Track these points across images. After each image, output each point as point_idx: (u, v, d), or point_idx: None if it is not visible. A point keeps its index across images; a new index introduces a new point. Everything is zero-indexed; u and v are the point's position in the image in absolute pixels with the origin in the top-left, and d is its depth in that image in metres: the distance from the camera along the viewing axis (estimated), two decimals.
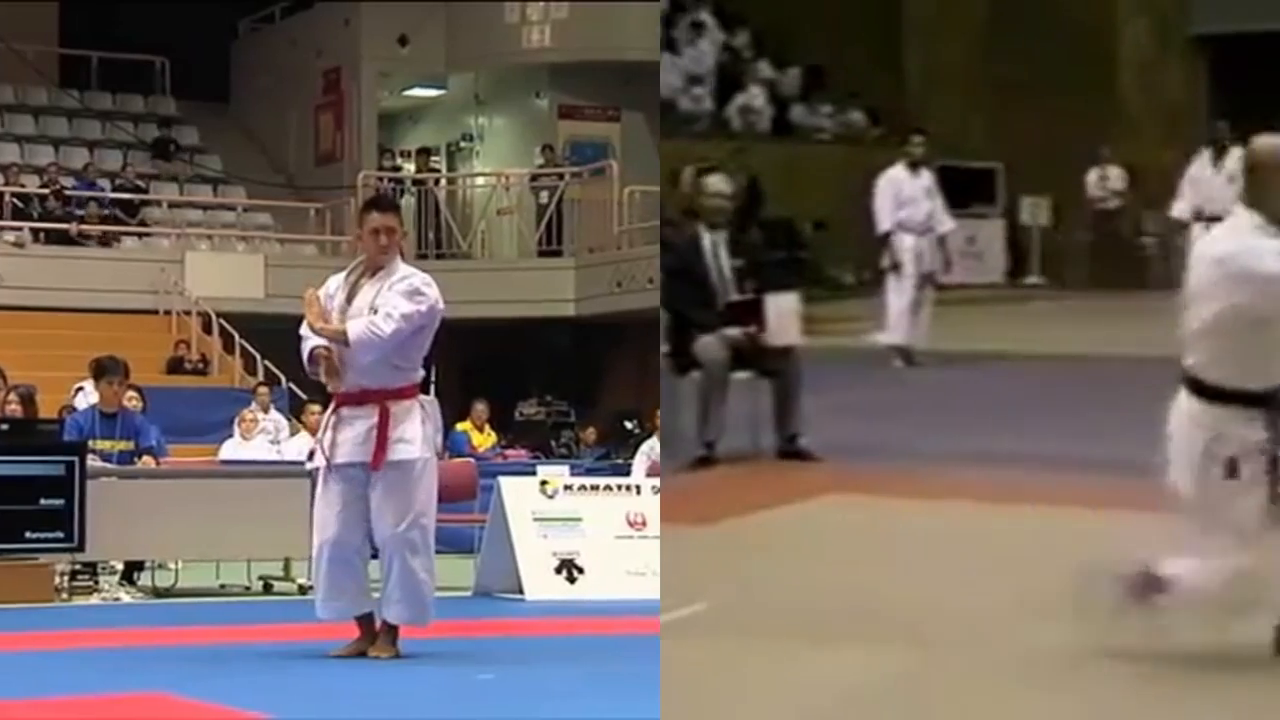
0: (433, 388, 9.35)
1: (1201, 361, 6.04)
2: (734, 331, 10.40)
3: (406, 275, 8.41)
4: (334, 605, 8.47)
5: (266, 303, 24.45)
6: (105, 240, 25.61)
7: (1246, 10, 19.12)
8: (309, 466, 8.72)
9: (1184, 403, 6.10)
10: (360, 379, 8.33)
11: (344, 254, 25.96)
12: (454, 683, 7.70)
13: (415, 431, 8.33)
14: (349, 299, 8.40)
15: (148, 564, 13.02)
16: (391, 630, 8.41)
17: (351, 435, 8.32)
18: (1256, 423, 6.02)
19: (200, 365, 23.81)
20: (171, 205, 27.28)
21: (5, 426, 12.91)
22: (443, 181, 28.03)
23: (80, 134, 28.88)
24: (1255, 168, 6.11)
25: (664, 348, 10.73)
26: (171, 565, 13.43)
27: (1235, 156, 14.88)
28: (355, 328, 8.24)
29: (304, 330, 8.47)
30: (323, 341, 8.36)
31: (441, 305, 8.44)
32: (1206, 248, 6.13)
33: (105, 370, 13.00)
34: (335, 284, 8.53)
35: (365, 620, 8.47)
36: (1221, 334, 6.00)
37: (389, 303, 8.26)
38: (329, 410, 8.53)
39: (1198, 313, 6.03)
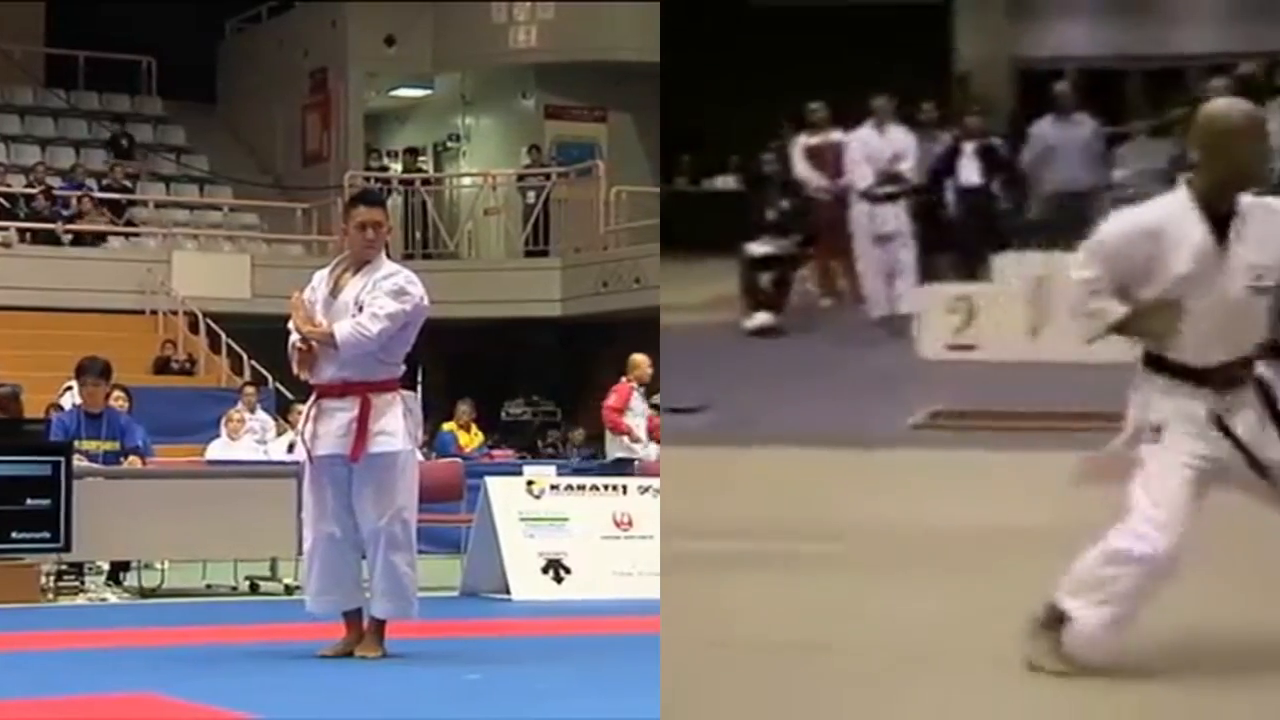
0: (419, 387, 9.40)
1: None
2: None
3: (391, 273, 8.39)
4: (327, 599, 8.45)
5: (253, 303, 24.45)
6: (92, 240, 25.59)
7: None
8: (290, 458, 8.67)
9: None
10: (342, 371, 8.32)
11: (330, 254, 25.82)
12: (441, 683, 7.70)
13: (397, 424, 8.33)
14: (333, 293, 8.39)
15: (134, 564, 13.01)
16: (378, 629, 8.41)
17: (333, 427, 8.31)
18: (1192, 397, 5.93)
19: (187, 365, 23.81)
20: (158, 205, 27.27)
21: None
22: (430, 181, 28.02)
23: (67, 134, 28.87)
24: (1202, 136, 5.82)
25: None
26: (158, 565, 13.43)
27: None
28: (342, 329, 8.23)
29: (292, 328, 8.47)
30: (298, 337, 8.38)
31: (426, 302, 8.44)
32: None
33: (83, 371, 13.00)
34: (319, 278, 8.52)
35: (353, 618, 8.47)
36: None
37: (375, 301, 8.26)
38: (309, 402, 8.52)
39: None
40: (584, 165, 26.82)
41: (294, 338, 8.41)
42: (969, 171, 16.01)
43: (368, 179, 27.10)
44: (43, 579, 11.85)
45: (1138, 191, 14.21)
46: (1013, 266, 14.30)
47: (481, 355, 26.31)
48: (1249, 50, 16.33)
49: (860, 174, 16.01)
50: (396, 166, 28.89)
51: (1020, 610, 6.23)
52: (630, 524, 12.61)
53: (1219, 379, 5.90)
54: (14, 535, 11.56)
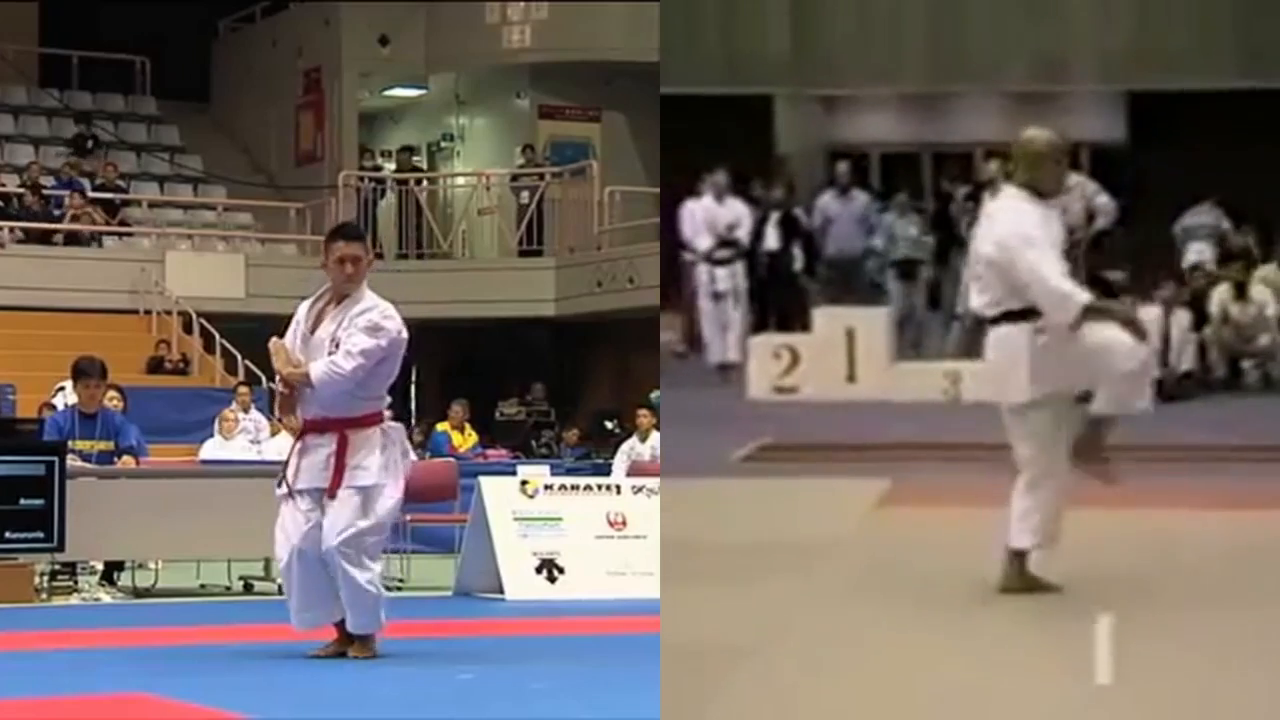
0: (412, 387, 9.39)
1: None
2: None
3: (367, 308, 8.35)
4: (307, 616, 8.49)
5: (247, 302, 24.45)
6: (86, 240, 25.57)
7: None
8: (278, 494, 8.59)
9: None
10: (322, 409, 8.36)
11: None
12: (435, 682, 7.71)
13: (373, 460, 8.34)
14: (312, 329, 8.40)
15: (128, 564, 13.00)
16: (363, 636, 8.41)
17: (312, 462, 8.37)
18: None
19: (181, 365, 23.79)
20: (152, 205, 27.25)
21: None
22: (424, 181, 28.01)
23: (60, 133, 28.83)
24: (1029, 154, 7.54)
25: None
26: (151, 565, 13.42)
27: None
28: (317, 370, 8.25)
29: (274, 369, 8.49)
30: (279, 386, 8.41)
31: (404, 335, 8.41)
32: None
33: (82, 373, 12.97)
34: (303, 311, 8.54)
35: (341, 624, 8.49)
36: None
37: (350, 339, 8.25)
38: (295, 438, 8.55)
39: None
40: (578, 165, 26.81)
41: (277, 380, 8.45)
42: (770, 238, 18.01)
43: (361, 179, 27.14)
44: (36, 579, 11.86)
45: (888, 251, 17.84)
46: (830, 318, 16.06)
47: (475, 355, 26.29)
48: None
49: (700, 239, 17.77)
50: (390, 166, 28.86)
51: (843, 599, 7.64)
52: (624, 524, 12.62)
53: None
54: (8, 535, 11.57)
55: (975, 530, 8.25)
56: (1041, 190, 7.48)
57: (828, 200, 18.30)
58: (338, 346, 8.27)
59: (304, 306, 8.56)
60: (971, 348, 16.46)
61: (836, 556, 8.64)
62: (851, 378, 15.49)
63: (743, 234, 17.92)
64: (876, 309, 16.49)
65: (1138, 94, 19.12)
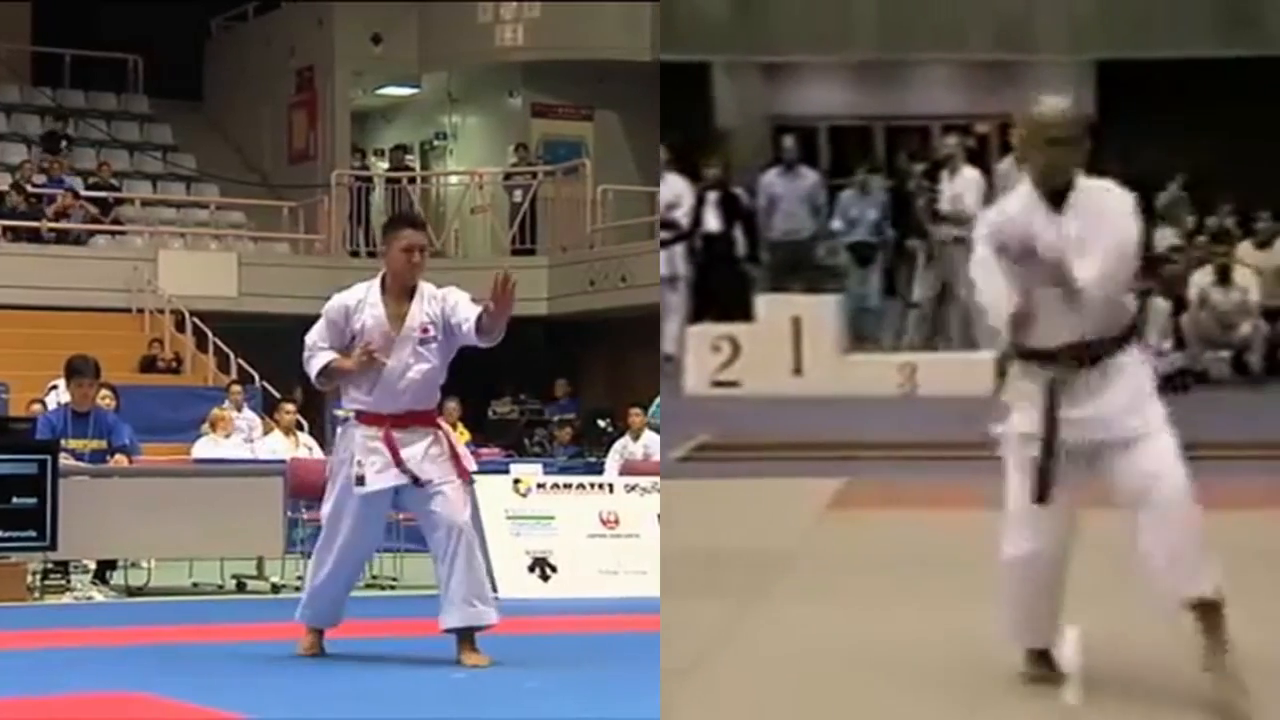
0: None
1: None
2: None
3: (445, 292, 8.47)
4: (324, 619, 8.43)
5: (240, 301, 24.44)
6: (78, 238, 25.55)
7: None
8: (360, 491, 8.13)
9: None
10: (413, 401, 8.26)
11: (317, 253, 25.94)
12: (428, 681, 7.71)
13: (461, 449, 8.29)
14: (396, 326, 8.23)
15: (120, 563, 13.00)
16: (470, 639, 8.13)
17: (413, 452, 8.16)
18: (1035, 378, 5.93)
19: (173, 364, 23.78)
20: (145, 203, 27.24)
21: None
22: (416, 180, 28.00)
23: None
24: (1021, 134, 5.91)
25: None
26: (144, 564, 13.42)
27: None
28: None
29: (315, 352, 8.25)
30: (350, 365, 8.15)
31: None
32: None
33: (75, 371, 12.96)
34: (363, 304, 8.23)
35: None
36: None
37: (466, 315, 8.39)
38: (364, 430, 8.17)
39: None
40: (571, 164, 26.82)
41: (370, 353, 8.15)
42: (710, 219, 16.99)
43: (354, 178, 27.13)
44: (29, 577, 11.86)
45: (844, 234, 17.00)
46: (775, 306, 15.15)
47: (468, 353, 26.25)
48: (981, 113, 17.80)
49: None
50: (383, 165, 28.87)
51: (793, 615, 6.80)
52: (617, 522, 12.63)
53: (1063, 359, 5.86)
54: (0, 534, 11.56)
55: (933, 535, 7.93)
56: (1053, 182, 5.84)
57: (772, 178, 17.21)
58: (425, 333, 8.19)
59: (350, 300, 8.23)
60: (931, 338, 16.15)
61: (784, 566, 8.12)
62: (797, 370, 14.72)
63: (682, 215, 16.82)
64: (824, 296, 15.55)
65: (1107, 63, 18.00)
